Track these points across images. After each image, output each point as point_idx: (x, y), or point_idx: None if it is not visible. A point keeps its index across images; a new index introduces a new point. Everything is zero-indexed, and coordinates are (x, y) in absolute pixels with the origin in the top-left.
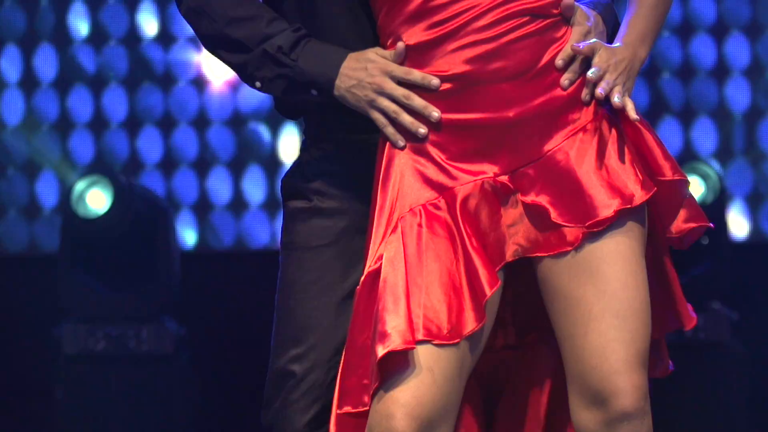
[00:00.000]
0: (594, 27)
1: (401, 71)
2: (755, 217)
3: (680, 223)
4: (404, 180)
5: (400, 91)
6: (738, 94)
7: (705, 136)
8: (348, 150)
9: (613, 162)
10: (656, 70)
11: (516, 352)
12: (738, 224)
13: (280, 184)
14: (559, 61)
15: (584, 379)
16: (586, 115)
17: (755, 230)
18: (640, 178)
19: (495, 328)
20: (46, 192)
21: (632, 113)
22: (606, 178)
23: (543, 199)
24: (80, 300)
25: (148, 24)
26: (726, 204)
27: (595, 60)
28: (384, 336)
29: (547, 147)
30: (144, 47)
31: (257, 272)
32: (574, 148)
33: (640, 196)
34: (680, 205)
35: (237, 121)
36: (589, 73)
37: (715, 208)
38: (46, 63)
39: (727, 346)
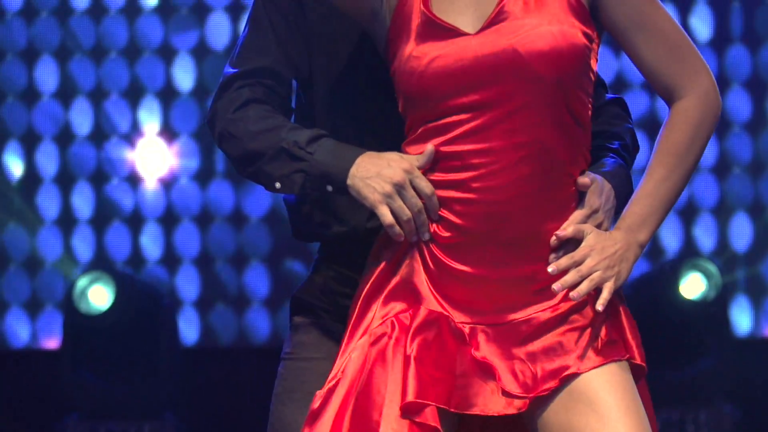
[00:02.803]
0: (603, 204)
1: (425, 183)
2: (757, 313)
3: None
4: (399, 282)
5: (416, 200)
6: (740, 190)
7: (706, 232)
8: (360, 274)
9: (578, 336)
10: None
11: None
12: (740, 320)
13: (290, 300)
14: (553, 240)
15: None
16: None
17: (757, 326)
18: (602, 350)
19: None
20: (48, 288)
21: (598, 305)
22: (564, 349)
23: (494, 361)
24: (82, 396)
25: (150, 120)
26: (728, 300)
27: (582, 245)
28: None
29: (515, 317)
30: (146, 144)
31: (259, 368)
32: (541, 322)
33: (584, 365)
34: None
35: (238, 217)
36: (551, 268)
37: (717, 305)
38: (48, 158)
39: None
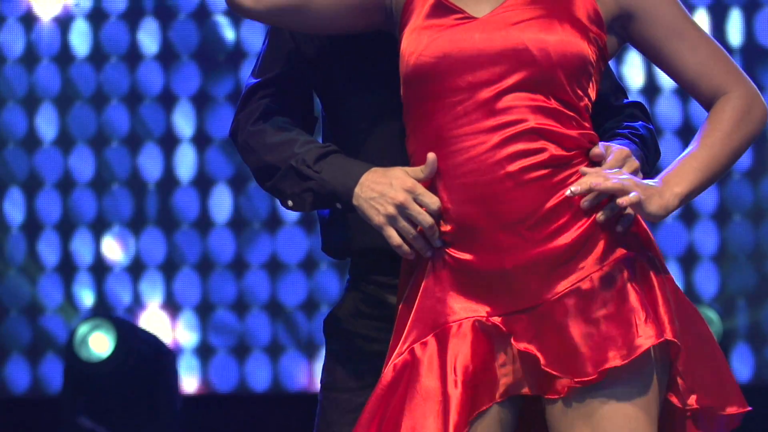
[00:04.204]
0: (627, 165)
1: (430, 199)
2: (758, 360)
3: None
4: (422, 303)
5: (423, 216)
6: (740, 238)
7: (707, 279)
8: (390, 293)
9: (612, 317)
10: None
11: None
12: (741, 367)
13: (324, 321)
14: (572, 189)
15: None
16: (591, 264)
17: (758, 373)
18: (638, 334)
19: None
20: (49, 335)
21: (619, 200)
22: (601, 334)
23: (534, 347)
24: None
25: (151, 167)
26: (729, 347)
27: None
28: None
29: (546, 296)
30: (147, 191)
31: (259, 416)
32: (573, 300)
33: (622, 356)
34: (683, 371)
35: (239, 265)
36: (573, 187)
37: None
38: (49, 205)
39: None
